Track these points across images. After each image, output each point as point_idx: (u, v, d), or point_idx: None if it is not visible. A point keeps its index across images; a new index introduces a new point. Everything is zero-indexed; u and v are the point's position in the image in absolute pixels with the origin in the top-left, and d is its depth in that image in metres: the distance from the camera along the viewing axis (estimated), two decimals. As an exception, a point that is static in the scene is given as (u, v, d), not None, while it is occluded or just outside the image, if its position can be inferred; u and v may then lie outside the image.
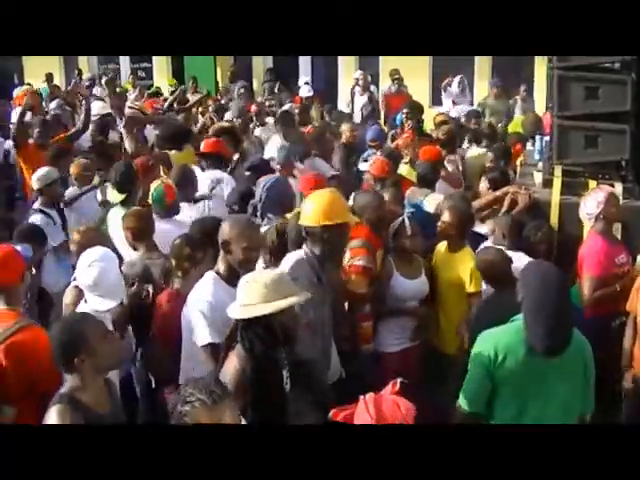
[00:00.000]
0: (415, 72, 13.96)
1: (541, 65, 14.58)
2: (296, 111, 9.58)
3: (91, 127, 7.72)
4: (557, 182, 6.01)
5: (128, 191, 5.71)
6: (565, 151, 6.09)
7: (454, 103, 11.53)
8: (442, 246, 5.27)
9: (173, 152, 6.39)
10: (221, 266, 3.86)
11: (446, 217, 5.11)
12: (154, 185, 5.46)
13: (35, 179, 6.10)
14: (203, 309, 3.70)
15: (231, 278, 3.73)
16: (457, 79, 11.82)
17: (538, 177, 6.52)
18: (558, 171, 6.09)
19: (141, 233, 4.93)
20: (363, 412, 2.80)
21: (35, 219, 5.84)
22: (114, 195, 5.84)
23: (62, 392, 3.02)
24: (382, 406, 2.79)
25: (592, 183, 5.90)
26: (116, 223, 5.32)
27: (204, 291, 3.79)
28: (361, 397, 2.88)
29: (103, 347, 3.04)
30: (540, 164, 6.99)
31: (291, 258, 3.98)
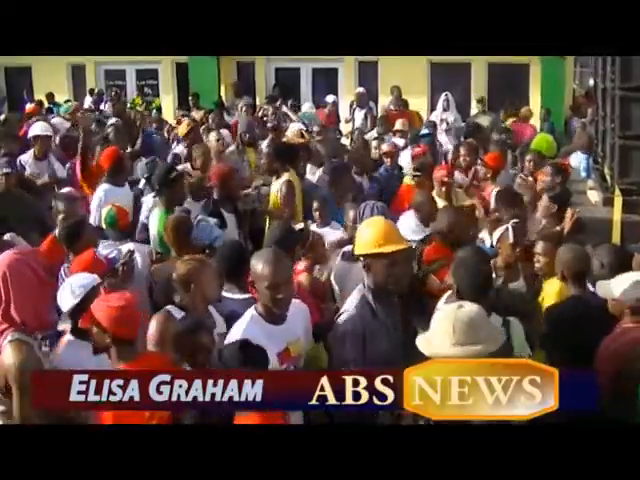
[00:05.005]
0: (414, 88, 14.01)
1: (536, 81, 14.75)
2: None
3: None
4: (618, 201, 6.04)
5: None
6: (626, 170, 6.15)
7: (442, 120, 11.54)
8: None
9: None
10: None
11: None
12: (106, 209, 5.32)
13: None
14: None
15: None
16: (442, 97, 11.75)
17: (593, 196, 6.53)
18: (619, 190, 6.13)
19: None
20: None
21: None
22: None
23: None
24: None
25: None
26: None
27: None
28: None
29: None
30: (590, 182, 6.98)
31: (354, 294, 3.70)
